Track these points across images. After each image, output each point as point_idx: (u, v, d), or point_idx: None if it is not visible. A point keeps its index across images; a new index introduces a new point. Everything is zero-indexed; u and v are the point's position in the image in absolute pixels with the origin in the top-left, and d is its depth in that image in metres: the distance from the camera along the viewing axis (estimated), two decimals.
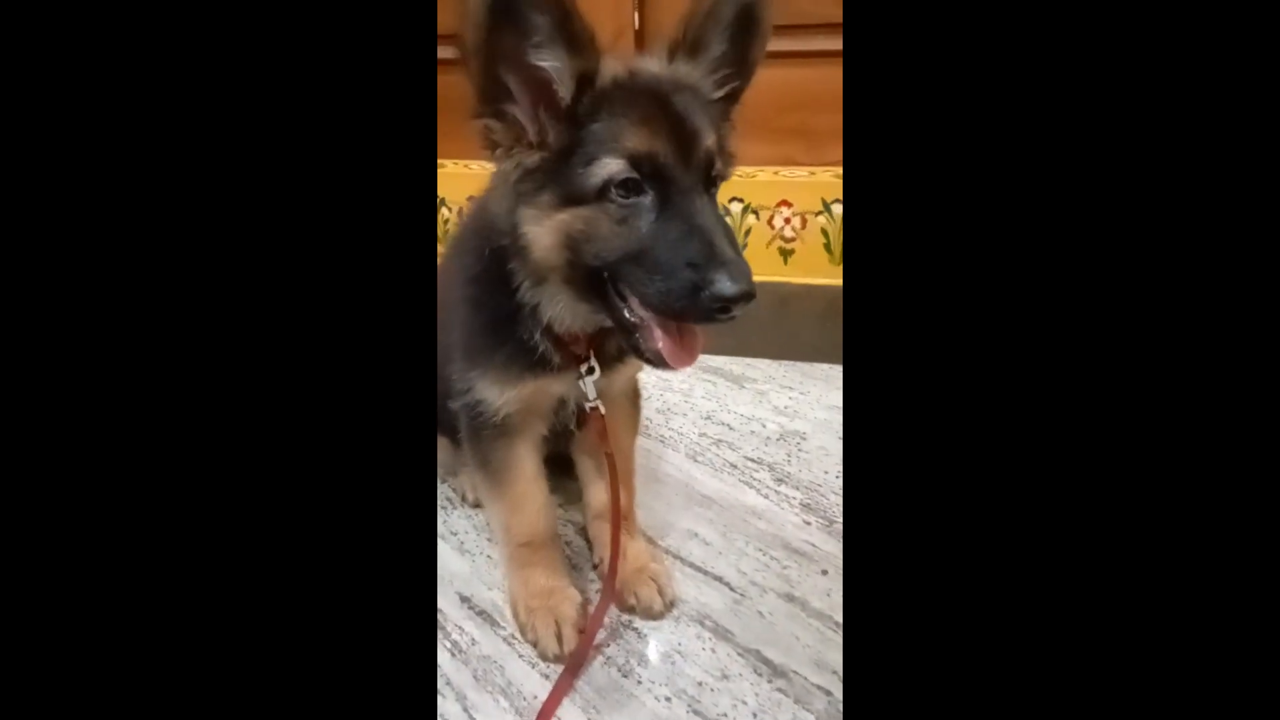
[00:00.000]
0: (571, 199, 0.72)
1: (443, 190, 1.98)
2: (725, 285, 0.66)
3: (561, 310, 0.81)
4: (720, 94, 0.79)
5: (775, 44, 2.29)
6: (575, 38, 0.68)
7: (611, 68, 0.72)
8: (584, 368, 0.88)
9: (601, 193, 0.71)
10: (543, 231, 0.74)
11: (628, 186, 0.70)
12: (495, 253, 0.81)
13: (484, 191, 0.86)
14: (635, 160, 0.70)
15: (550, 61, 0.69)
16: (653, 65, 0.76)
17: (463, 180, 1.85)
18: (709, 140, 0.73)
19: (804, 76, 1.97)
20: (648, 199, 0.71)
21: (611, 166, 0.70)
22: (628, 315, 0.75)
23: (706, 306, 0.68)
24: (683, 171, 0.71)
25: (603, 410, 0.91)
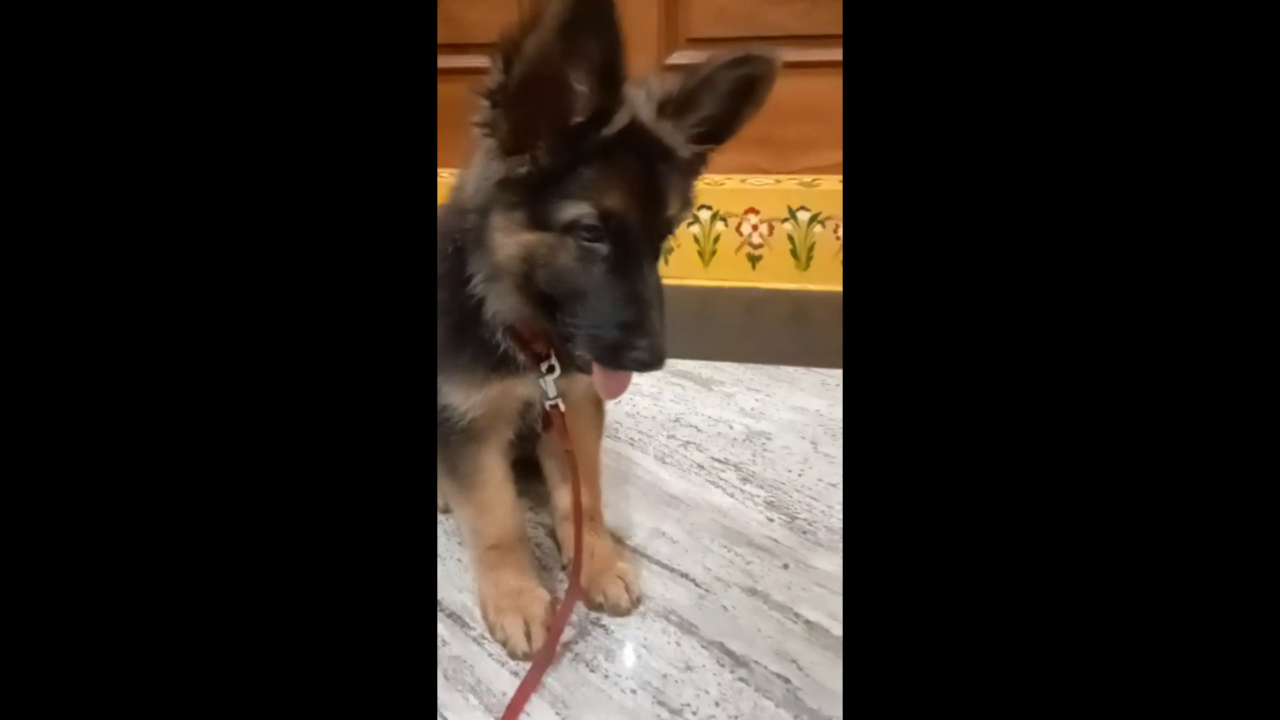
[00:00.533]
0: (541, 223, 0.77)
1: (443, 199, 2.00)
2: (642, 355, 0.76)
3: (508, 308, 0.85)
4: (695, 151, 0.83)
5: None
6: (613, 75, 0.71)
7: (624, 115, 0.75)
8: (544, 366, 0.91)
9: (567, 228, 0.76)
10: (509, 244, 0.79)
11: (591, 232, 0.75)
12: (459, 251, 0.85)
13: (453, 191, 0.88)
14: (604, 214, 0.75)
15: (582, 87, 0.72)
16: (643, 106, 0.78)
17: None
18: (672, 210, 0.79)
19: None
20: (605, 249, 0.76)
21: (583, 211, 0.75)
22: (564, 328, 0.81)
23: (620, 362, 0.77)
24: (641, 237, 0.77)
25: (563, 408, 0.94)
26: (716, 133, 0.83)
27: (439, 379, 0.90)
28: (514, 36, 0.69)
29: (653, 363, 0.76)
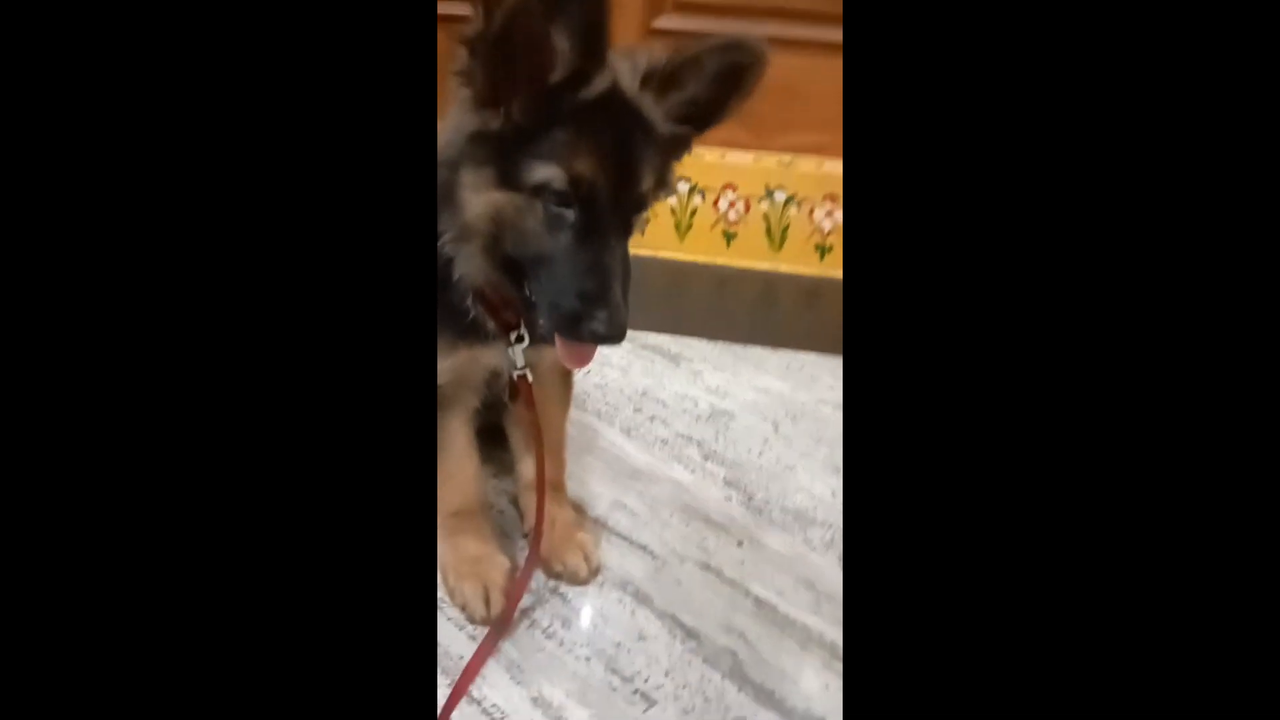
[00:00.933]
0: (510, 183, 0.76)
1: None
2: (600, 327, 0.75)
3: (475, 270, 0.84)
4: (676, 131, 0.81)
5: (722, 25, 2.29)
6: (596, 36, 0.70)
7: (603, 80, 0.74)
8: (513, 335, 0.91)
9: (536, 190, 0.75)
10: (478, 202, 0.78)
11: (559, 197, 0.75)
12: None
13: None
14: (574, 179, 0.74)
15: (563, 45, 0.71)
16: (626, 75, 0.77)
17: None
18: (645, 185, 0.78)
19: None
20: (572, 216, 0.75)
21: (553, 173, 0.74)
22: (529, 295, 0.80)
23: (578, 333, 0.77)
24: (610, 208, 0.76)
25: (530, 379, 0.95)
26: (700, 116, 0.82)
27: None
28: None
29: (611, 336, 0.75)
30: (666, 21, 2.00)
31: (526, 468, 1.13)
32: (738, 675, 0.93)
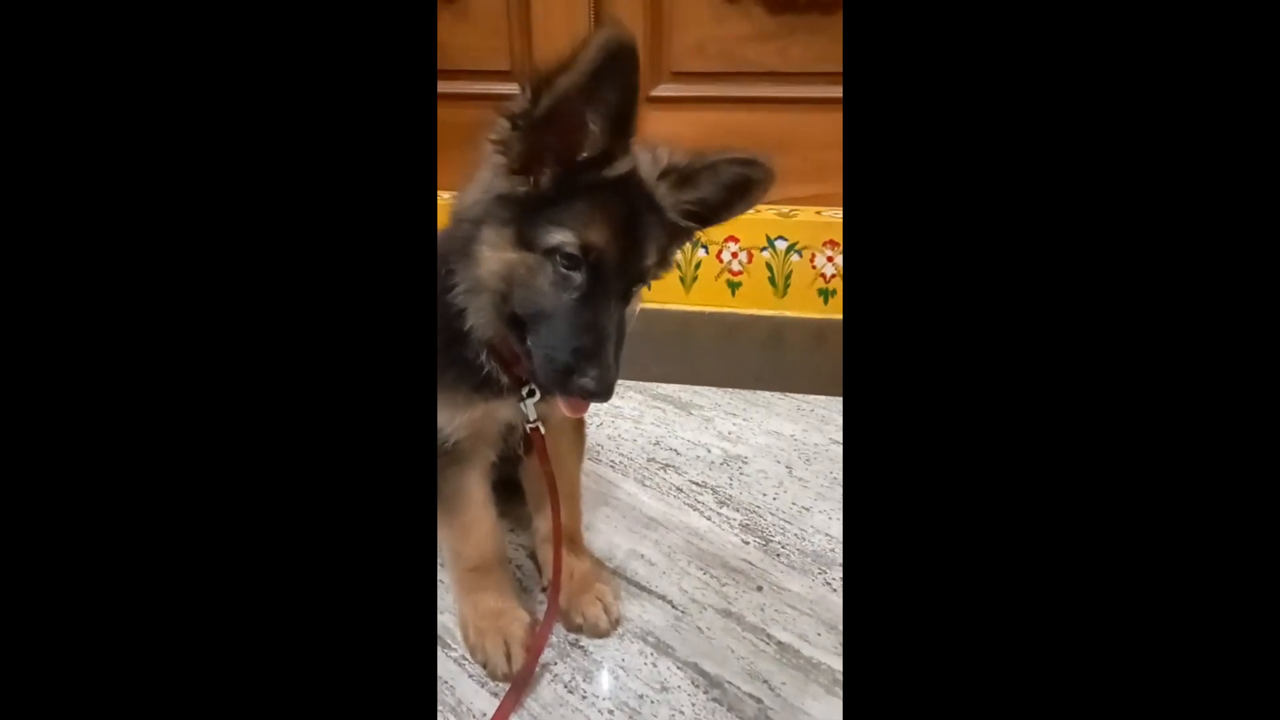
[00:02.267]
0: (526, 243, 0.82)
1: (443, 222, 2.02)
2: (590, 384, 0.79)
3: (484, 323, 0.89)
4: (684, 224, 0.88)
5: (717, 89, 2.39)
6: (625, 123, 0.78)
7: (626, 163, 0.81)
8: (524, 389, 0.94)
9: (549, 252, 0.81)
10: (494, 259, 0.84)
11: (569, 260, 0.81)
12: (450, 274, 0.88)
13: (451, 214, 0.92)
14: (586, 246, 0.80)
15: (595, 128, 0.78)
16: (647, 165, 0.84)
17: None
18: (649, 260, 0.86)
19: (745, 120, 2.10)
20: (579, 278, 0.81)
21: (567, 238, 0.80)
22: (528, 346, 0.85)
23: (568, 387, 0.81)
24: (615, 277, 0.82)
25: (543, 430, 0.98)
26: (705, 215, 0.89)
27: None
28: (547, 72, 0.75)
29: (599, 393, 0.80)
30: (665, 89, 2.11)
31: (543, 521, 1.14)
32: None
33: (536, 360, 0.83)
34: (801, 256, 2.12)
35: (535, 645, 0.97)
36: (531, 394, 0.95)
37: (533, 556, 1.20)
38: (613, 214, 0.80)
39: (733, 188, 0.87)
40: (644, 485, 1.40)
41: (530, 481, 1.16)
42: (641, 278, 0.86)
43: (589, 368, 0.79)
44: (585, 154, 0.80)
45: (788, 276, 2.14)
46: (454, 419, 0.94)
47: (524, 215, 0.81)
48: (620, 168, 0.81)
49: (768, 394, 1.72)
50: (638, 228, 0.82)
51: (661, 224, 0.85)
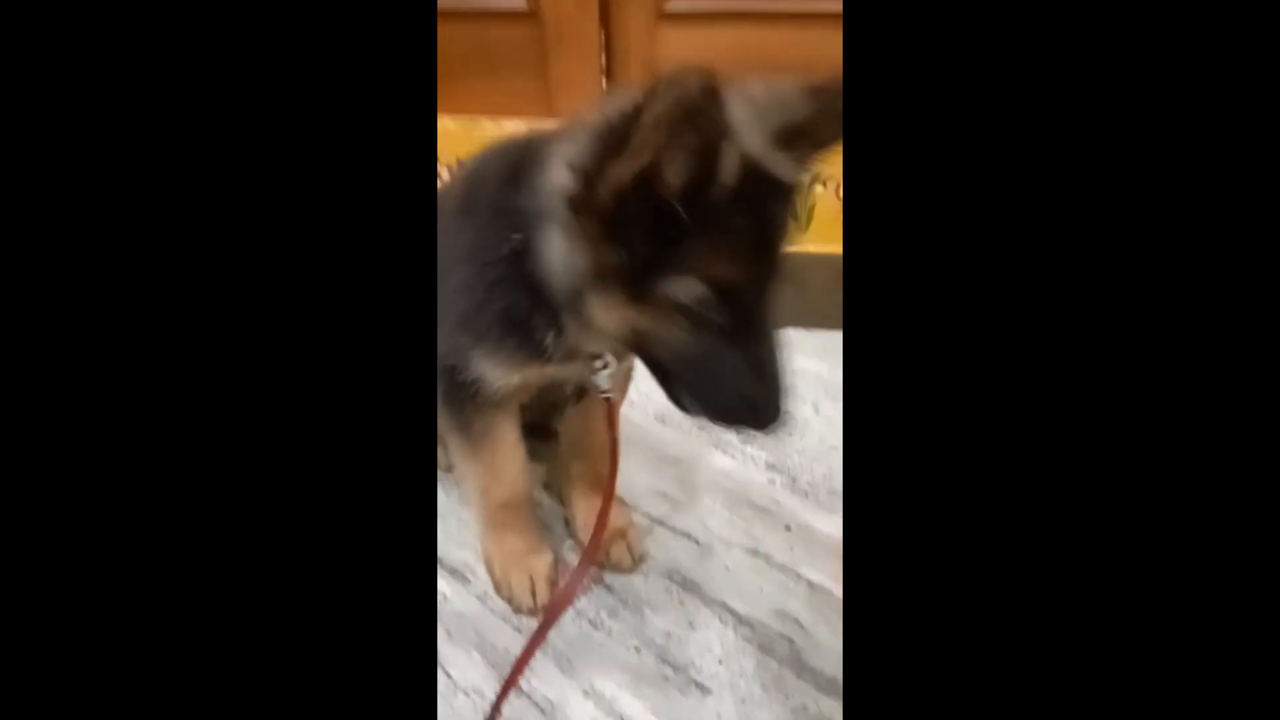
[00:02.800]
0: (643, 297, 0.67)
1: (442, 151, 1.86)
2: (755, 430, 0.72)
3: (584, 340, 0.79)
4: (805, 173, 0.70)
5: (738, 6, 2.23)
6: (712, 158, 0.61)
7: (730, 162, 0.61)
8: (598, 362, 0.86)
9: (674, 304, 0.66)
10: (610, 320, 0.70)
11: (702, 303, 0.66)
12: (516, 256, 0.75)
13: (501, 156, 0.80)
14: (716, 285, 0.65)
15: (675, 173, 0.61)
16: (751, 136, 0.63)
17: (462, 141, 1.76)
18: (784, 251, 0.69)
19: (768, 38, 1.96)
20: (719, 318, 0.67)
21: (692, 286, 0.65)
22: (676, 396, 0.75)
23: (736, 427, 0.74)
24: (759, 300, 0.67)
25: (616, 399, 0.90)
26: (813, 150, 0.70)
27: (474, 352, 0.83)
28: (594, 154, 0.61)
29: (767, 430, 0.71)
30: (678, 4, 1.96)
31: (577, 466, 1.10)
32: (795, 663, 0.90)
33: (693, 406, 0.73)
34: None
35: (568, 589, 0.94)
36: (605, 366, 0.86)
37: (554, 492, 1.16)
38: (736, 235, 0.64)
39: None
40: (664, 423, 1.36)
41: (569, 429, 1.10)
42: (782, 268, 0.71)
43: (754, 420, 0.70)
44: (674, 198, 0.61)
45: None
46: (505, 376, 0.85)
47: (629, 274, 0.66)
48: (726, 178, 0.61)
49: (791, 331, 1.65)
50: (769, 230, 0.66)
51: (788, 198, 0.68)
